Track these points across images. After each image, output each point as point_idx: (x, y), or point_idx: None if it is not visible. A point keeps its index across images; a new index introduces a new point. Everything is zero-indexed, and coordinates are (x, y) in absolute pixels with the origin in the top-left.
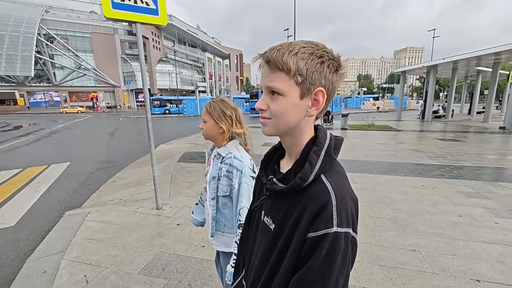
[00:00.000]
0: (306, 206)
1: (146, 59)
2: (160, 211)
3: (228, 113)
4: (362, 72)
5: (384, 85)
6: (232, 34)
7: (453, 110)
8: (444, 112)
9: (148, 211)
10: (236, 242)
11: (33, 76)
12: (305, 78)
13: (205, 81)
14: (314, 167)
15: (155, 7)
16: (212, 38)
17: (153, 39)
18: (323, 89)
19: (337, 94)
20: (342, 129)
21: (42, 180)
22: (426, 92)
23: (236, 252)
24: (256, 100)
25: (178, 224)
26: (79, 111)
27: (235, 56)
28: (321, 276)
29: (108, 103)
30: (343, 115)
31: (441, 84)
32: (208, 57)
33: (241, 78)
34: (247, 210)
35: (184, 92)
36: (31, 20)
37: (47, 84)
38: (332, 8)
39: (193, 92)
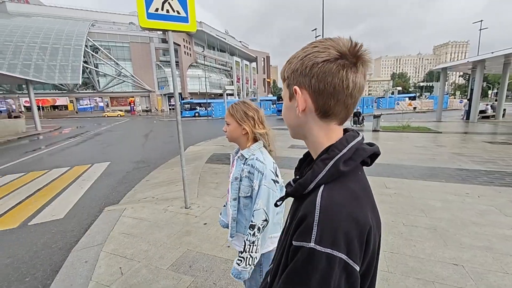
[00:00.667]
0: (299, 213)
1: (177, 65)
2: (188, 210)
3: (250, 114)
4: (396, 70)
5: (421, 84)
6: (260, 37)
7: (504, 110)
8: (494, 111)
9: (177, 209)
10: (245, 241)
11: (81, 83)
12: (288, 79)
13: (232, 84)
14: (316, 176)
15: (185, 15)
16: (240, 42)
17: (184, 45)
18: (296, 87)
19: (369, 94)
20: (373, 131)
21: (86, 178)
22: (471, 90)
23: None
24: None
25: (205, 224)
26: (119, 115)
27: (262, 59)
28: (295, 286)
29: (147, 107)
30: (375, 116)
31: (490, 81)
32: (236, 60)
33: (268, 80)
34: (263, 212)
35: (213, 96)
36: (80, 34)
37: (92, 91)
38: (364, 5)
39: (221, 95)
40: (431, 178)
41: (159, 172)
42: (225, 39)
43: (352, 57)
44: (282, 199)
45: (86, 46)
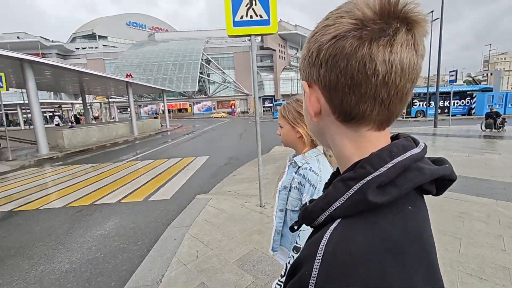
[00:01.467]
0: (299, 254)
1: (272, 69)
2: (262, 209)
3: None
4: None
5: None
6: None
7: None
8: None
9: (253, 207)
10: (286, 264)
11: (196, 90)
12: (301, 72)
13: None
14: (330, 204)
15: (267, 18)
16: None
17: (279, 49)
18: (304, 82)
19: None
20: None
21: (190, 168)
22: None
23: None
24: None
25: None
26: (222, 116)
27: None
28: None
29: (248, 108)
30: None
31: None
32: None
33: None
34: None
35: None
36: (198, 50)
37: (204, 96)
38: None
39: None
40: None
41: (245, 169)
42: None
43: (381, 21)
44: (297, 223)
45: (202, 59)
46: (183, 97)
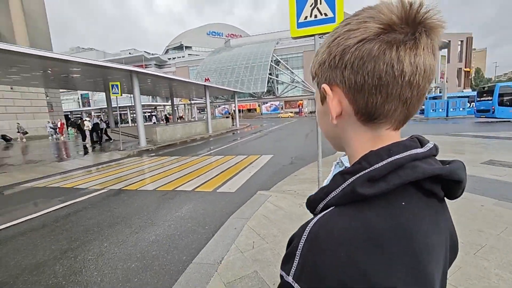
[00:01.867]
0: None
1: None
2: None
3: None
4: None
5: None
6: (462, 11)
7: None
8: None
9: None
10: None
11: (265, 91)
12: (316, 76)
13: None
14: (328, 194)
15: (333, 15)
16: None
17: None
18: (325, 86)
19: None
20: None
21: (255, 165)
22: None
23: None
24: (487, 98)
25: None
26: (289, 116)
27: (459, 42)
28: None
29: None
30: None
31: None
32: None
33: (467, 69)
34: None
35: None
36: (268, 52)
37: (272, 96)
38: None
39: None
40: None
41: (308, 170)
42: None
43: (406, 26)
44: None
45: (271, 61)
46: (253, 98)
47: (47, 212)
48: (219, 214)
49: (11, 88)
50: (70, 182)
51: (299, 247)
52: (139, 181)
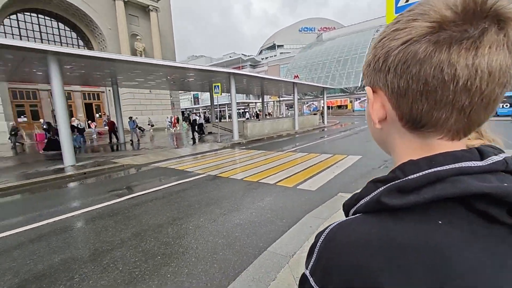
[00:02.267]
0: None
1: None
2: None
3: None
4: None
5: None
6: None
7: None
8: None
9: None
10: None
11: (359, 86)
12: (365, 77)
13: None
14: (359, 201)
15: None
16: None
17: None
18: (369, 88)
19: None
20: None
21: (339, 166)
22: None
23: None
24: None
25: None
26: None
27: None
28: None
29: None
30: None
31: None
32: None
33: None
34: None
35: None
36: (365, 42)
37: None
38: None
39: None
40: None
41: None
42: None
43: (463, 22)
44: None
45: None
46: (344, 94)
47: (166, 187)
48: (297, 210)
49: (150, 91)
50: (182, 166)
51: (318, 244)
52: (231, 170)
